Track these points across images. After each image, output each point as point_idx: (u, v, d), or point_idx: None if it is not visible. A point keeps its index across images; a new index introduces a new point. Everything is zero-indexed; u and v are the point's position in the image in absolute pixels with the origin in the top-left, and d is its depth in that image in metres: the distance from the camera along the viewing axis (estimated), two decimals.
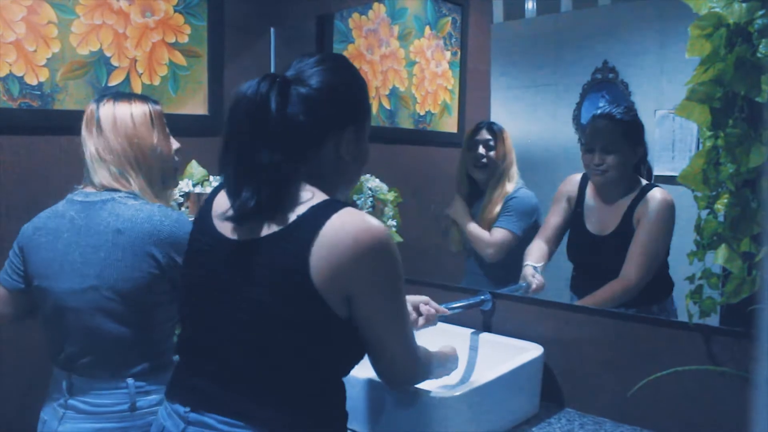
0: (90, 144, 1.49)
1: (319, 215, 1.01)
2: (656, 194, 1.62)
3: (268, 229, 1.03)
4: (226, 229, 1.09)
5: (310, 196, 1.05)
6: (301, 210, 1.03)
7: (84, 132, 1.51)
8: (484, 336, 1.71)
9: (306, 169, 1.08)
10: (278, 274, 1.01)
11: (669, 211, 1.59)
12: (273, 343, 1.03)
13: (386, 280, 1.05)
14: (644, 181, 1.66)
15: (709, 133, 1.24)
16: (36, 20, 1.89)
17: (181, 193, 2.01)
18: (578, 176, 1.77)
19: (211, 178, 2.09)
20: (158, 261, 1.42)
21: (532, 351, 1.57)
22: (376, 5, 2.32)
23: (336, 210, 1.02)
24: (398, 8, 2.31)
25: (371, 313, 1.05)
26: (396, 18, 2.32)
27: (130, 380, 1.43)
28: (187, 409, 1.08)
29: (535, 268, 1.78)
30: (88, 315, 1.42)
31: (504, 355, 1.57)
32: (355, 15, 2.34)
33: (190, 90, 2.27)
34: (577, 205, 1.77)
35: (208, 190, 2.05)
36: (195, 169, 2.07)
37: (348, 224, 1.01)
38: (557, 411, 1.58)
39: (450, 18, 2.31)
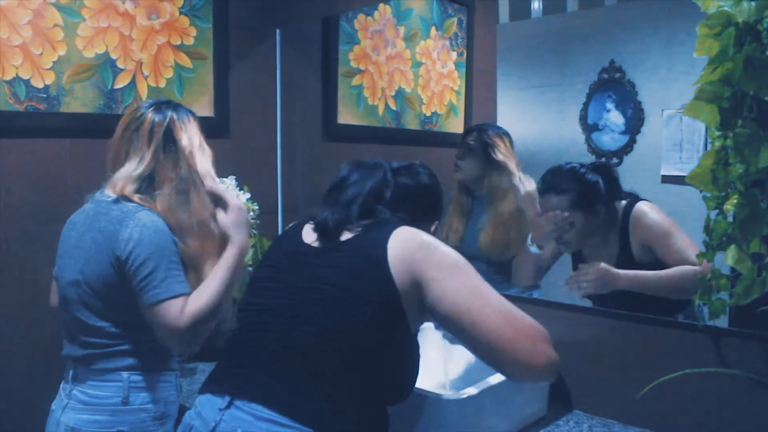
0: (148, 156, 1.49)
1: (391, 223, 1.17)
2: (642, 210, 1.60)
3: (345, 237, 1.17)
4: (310, 240, 1.21)
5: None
6: (372, 220, 1.19)
7: (141, 142, 1.50)
8: None
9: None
10: (360, 258, 1.12)
11: (663, 217, 1.58)
12: (339, 325, 1.07)
13: (451, 262, 1.12)
14: (621, 203, 1.64)
15: (717, 133, 1.22)
16: (42, 23, 1.89)
17: None
18: None
19: (218, 180, 2.08)
20: (118, 261, 1.42)
21: None
22: (381, 6, 2.32)
23: (402, 224, 1.17)
24: (404, 9, 2.31)
25: (447, 291, 1.09)
26: (402, 19, 2.32)
27: (124, 374, 1.45)
28: (226, 399, 1.08)
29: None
30: (76, 307, 1.47)
31: None
32: (361, 16, 2.34)
33: (196, 92, 2.27)
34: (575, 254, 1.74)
35: None
36: None
37: (415, 230, 1.15)
38: (565, 413, 1.58)
39: (456, 18, 2.31)
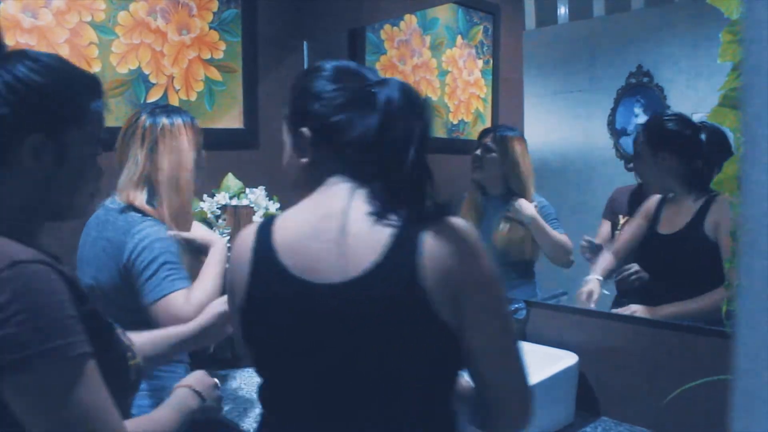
0: (141, 159, 1.54)
1: (415, 223, 0.99)
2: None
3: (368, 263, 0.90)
4: (303, 270, 0.93)
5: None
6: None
7: (135, 146, 1.55)
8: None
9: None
10: (394, 310, 0.89)
11: None
12: (393, 388, 0.91)
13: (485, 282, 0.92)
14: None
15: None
16: (78, 42, 1.96)
17: (218, 206, 2.05)
18: (658, 197, 1.72)
19: (247, 190, 2.13)
20: (126, 270, 1.47)
21: (566, 359, 1.56)
22: (407, 16, 2.34)
23: (430, 223, 0.99)
24: (429, 19, 2.33)
25: (479, 311, 0.90)
26: (427, 28, 2.34)
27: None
28: None
29: (600, 281, 1.76)
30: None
31: (539, 363, 1.56)
32: (387, 27, 2.36)
33: (226, 104, 2.32)
34: (652, 224, 1.73)
35: (245, 202, 2.08)
36: (231, 181, 2.12)
37: (449, 234, 0.97)
38: (593, 420, 1.57)
39: (481, 27, 2.32)
